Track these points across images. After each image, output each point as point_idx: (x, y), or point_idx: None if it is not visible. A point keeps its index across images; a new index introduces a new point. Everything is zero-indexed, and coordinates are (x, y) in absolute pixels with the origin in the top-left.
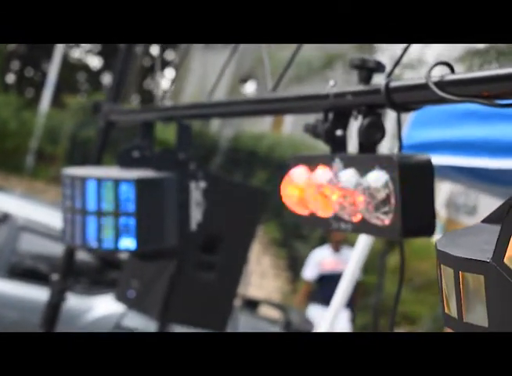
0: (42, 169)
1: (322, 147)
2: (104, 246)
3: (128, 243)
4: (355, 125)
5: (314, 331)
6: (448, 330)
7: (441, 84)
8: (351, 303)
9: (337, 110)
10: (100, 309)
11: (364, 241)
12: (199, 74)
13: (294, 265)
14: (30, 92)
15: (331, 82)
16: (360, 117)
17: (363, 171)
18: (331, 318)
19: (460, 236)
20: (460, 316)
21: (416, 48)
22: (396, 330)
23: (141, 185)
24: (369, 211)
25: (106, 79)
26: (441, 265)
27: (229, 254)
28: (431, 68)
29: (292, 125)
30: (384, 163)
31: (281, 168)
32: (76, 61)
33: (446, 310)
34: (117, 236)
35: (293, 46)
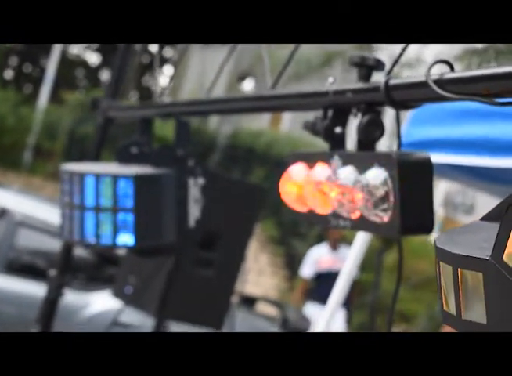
0: (40, 165)
1: (321, 145)
2: (102, 242)
3: (126, 239)
4: (353, 123)
5: (311, 329)
6: (447, 327)
7: (441, 82)
8: (348, 302)
9: (337, 108)
10: (97, 304)
11: (361, 239)
12: (197, 71)
13: (292, 262)
14: (29, 88)
15: (330, 79)
16: (359, 115)
17: (362, 168)
18: (328, 317)
19: (459, 233)
20: (459, 313)
21: (414, 47)
22: (392, 329)
23: (139, 181)
24: (368, 208)
25: (105, 75)
26: (440, 263)
27: (227, 251)
28: (431, 66)
29: (290, 123)
30: (383, 160)
31: (279, 166)
32: (74, 57)
33: (445, 307)
34: (115, 232)
35: (293, 44)
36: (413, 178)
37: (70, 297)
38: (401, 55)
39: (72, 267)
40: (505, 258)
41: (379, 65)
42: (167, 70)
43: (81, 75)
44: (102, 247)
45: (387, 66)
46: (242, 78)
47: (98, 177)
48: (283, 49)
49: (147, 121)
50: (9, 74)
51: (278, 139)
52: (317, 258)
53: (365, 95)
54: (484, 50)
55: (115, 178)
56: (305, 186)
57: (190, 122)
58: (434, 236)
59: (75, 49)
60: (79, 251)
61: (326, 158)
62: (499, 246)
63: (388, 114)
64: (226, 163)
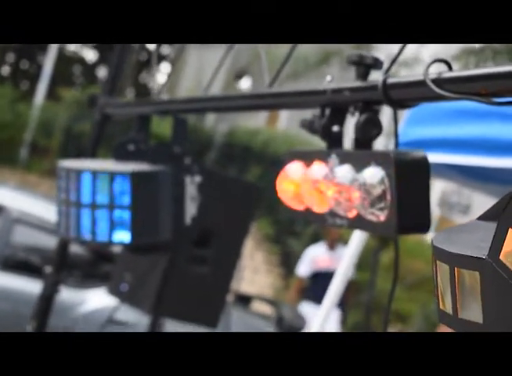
0: (36, 162)
1: (317, 143)
2: (98, 239)
3: (123, 236)
4: (350, 122)
5: (306, 328)
6: (442, 326)
7: (439, 81)
8: (343, 303)
9: (334, 106)
10: (93, 302)
11: (358, 238)
12: (195, 68)
13: (287, 261)
14: (25, 84)
15: (328, 78)
16: (357, 114)
17: (359, 167)
18: (322, 317)
19: (456, 232)
20: (455, 312)
21: (412, 47)
22: (387, 328)
23: (136, 178)
24: (365, 207)
25: (102, 72)
26: (437, 262)
27: (223, 249)
28: (429, 65)
29: (287, 121)
30: (380, 159)
31: (275, 164)
32: (71, 54)
33: (441, 306)
34: (112, 229)
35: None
36: (410, 178)
37: (66, 294)
38: (399, 54)
39: (68, 264)
40: (502, 257)
41: (377, 64)
42: (165, 67)
43: (78, 72)
44: (99, 244)
45: (385, 65)
46: (239, 76)
47: (94, 174)
48: (281, 48)
49: (144, 118)
50: (5, 70)
51: (275, 137)
52: (314, 257)
53: (363, 94)
54: (482, 50)
55: (112, 175)
56: (302, 184)
57: (187, 120)
58: (429, 236)
59: (72, 46)
60: (75, 248)
61: (323, 157)
62: (496, 245)
63: (385, 114)
64: (223, 161)
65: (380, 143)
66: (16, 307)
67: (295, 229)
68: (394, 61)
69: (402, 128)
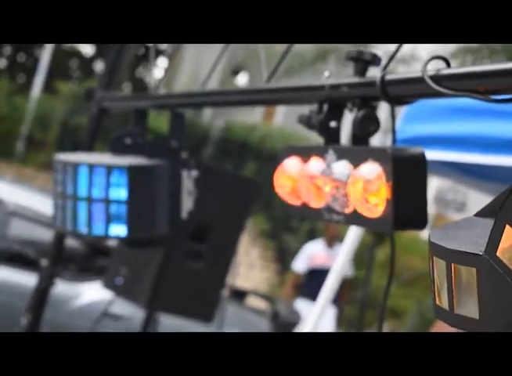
0: (32, 155)
1: (314, 139)
2: (94, 232)
3: (119, 230)
4: (347, 117)
5: (301, 324)
6: (438, 323)
7: (437, 78)
8: (338, 300)
9: (332, 102)
10: (88, 295)
11: (353, 234)
12: (191, 63)
13: (282, 257)
14: (22, 77)
15: (326, 73)
16: (355, 110)
17: (356, 163)
18: (317, 315)
19: (453, 229)
20: (451, 308)
21: (409, 44)
22: (382, 325)
23: (133, 172)
24: (362, 202)
25: (98, 66)
26: (434, 258)
27: (219, 244)
28: (427, 62)
29: (284, 117)
30: (378, 155)
31: (272, 160)
32: (68, 48)
33: (437, 302)
34: (108, 222)
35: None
36: (407, 174)
37: (61, 287)
38: (397, 50)
39: (63, 258)
40: (499, 253)
41: (375, 60)
42: (161, 62)
43: (75, 66)
44: (95, 238)
45: (383, 62)
46: (236, 72)
47: (91, 167)
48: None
49: (141, 112)
50: (2, 63)
51: (271, 133)
52: (311, 254)
53: (361, 90)
54: (479, 48)
55: (109, 169)
56: (299, 179)
57: (184, 114)
58: (425, 232)
59: None
60: (70, 242)
61: (320, 152)
62: (493, 242)
63: (382, 110)
64: (219, 156)
65: (377, 140)
66: (11, 300)
67: (291, 225)
68: (392, 57)
69: (398, 125)
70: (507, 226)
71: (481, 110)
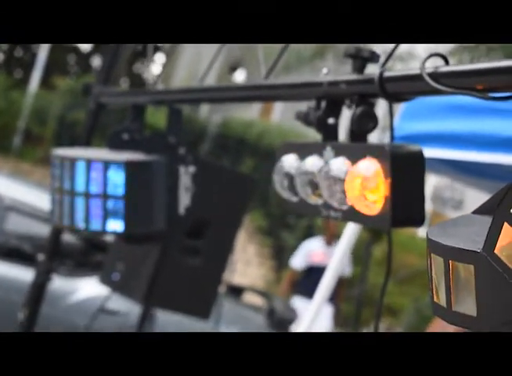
0: (29, 150)
1: (312, 136)
2: (92, 227)
3: (116, 225)
4: (345, 114)
5: (297, 322)
6: (435, 321)
7: (436, 75)
8: (334, 298)
9: (330, 99)
10: (84, 291)
11: (351, 231)
12: (189, 59)
13: (279, 253)
14: (19, 72)
15: (325, 70)
16: (353, 107)
17: (354, 159)
18: (313, 313)
19: (451, 226)
20: (449, 305)
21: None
22: (379, 322)
23: (130, 167)
24: (359, 199)
25: (96, 62)
26: (432, 255)
27: (216, 240)
28: (426, 59)
29: (281, 113)
30: (376, 152)
31: (269, 157)
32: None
33: (435, 299)
34: (105, 218)
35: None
36: (405, 171)
37: (57, 283)
38: (395, 48)
39: (60, 253)
40: (497, 251)
41: (373, 57)
42: (159, 57)
43: (73, 61)
44: (92, 233)
45: (381, 59)
46: (233, 69)
47: (89, 162)
48: None
49: (139, 107)
50: None
51: (269, 129)
52: (309, 251)
53: (359, 87)
54: (476, 46)
55: (106, 164)
56: (297, 176)
57: (182, 110)
58: (422, 230)
59: None
60: (67, 237)
61: (318, 149)
62: (491, 239)
63: (380, 108)
64: (216, 152)
65: (375, 137)
66: (7, 294)
67: (288, 222)
68: (390, 55)
69: (396, 122)
70: (505, 224)
71: (479, 107)
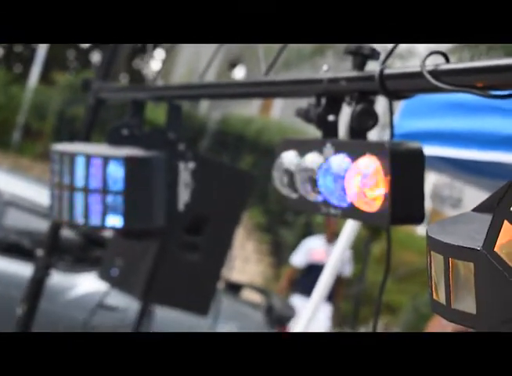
0: (29, 146)
1: (312, 132)
2: (91, 223)
3: (115, 221)
4: (345, 111)
5: (295, 319)
6: (433, 319)
7: (436, 73)
8: (333, 297)
9: (330, 95)
10: (83, 286)
11: (350, 228)
12: (189, 55)
13: (278, 250)
14: (19, 67)
15: (325, 67)
16: (353, 104)
17: (354, 156)
18: (311, 312)
19: (451, 224)
20: (449, 302)
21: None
22: (378, 320)
23: (130, 163)
24: (359, 196)
25: (95, 57)
26: (431, 252)
27: (215, 237)
28: (426, 57)
29: (281, 110)
30: (376, 149)
31: (268, 153)
32: None
33: (435, 297)
34: (105, 213)
35: None
36: (405, 168)
37: (56, 278)
38: (396, 45)
39: (59, 248)
40: (497, 249)
41: (374, 54)
42: (159, 53)
43: (72, 56)
44: (91, 228)
45: (382, 57)
46: (233, 65)
47: (88, 158)
48: None
49: (138, 103)
50: None
51: (268, 126)
52: (310, 249)
53: (359, 84)
54: (476, 45)
55: (106, 160)
56: (297, 173)
57: (182, 106)
58: (421, 228)
59: None
60: (66, 233)
61: (318, 146)
62: (491, 237)
63: (379, 105)
64: (216, 148)
65: (375, 135)
66: (6, 290)
67: (286, 219)
68: (391, 52)
69: (395, 120)
70: (505, 222)
71: (479, 105)
